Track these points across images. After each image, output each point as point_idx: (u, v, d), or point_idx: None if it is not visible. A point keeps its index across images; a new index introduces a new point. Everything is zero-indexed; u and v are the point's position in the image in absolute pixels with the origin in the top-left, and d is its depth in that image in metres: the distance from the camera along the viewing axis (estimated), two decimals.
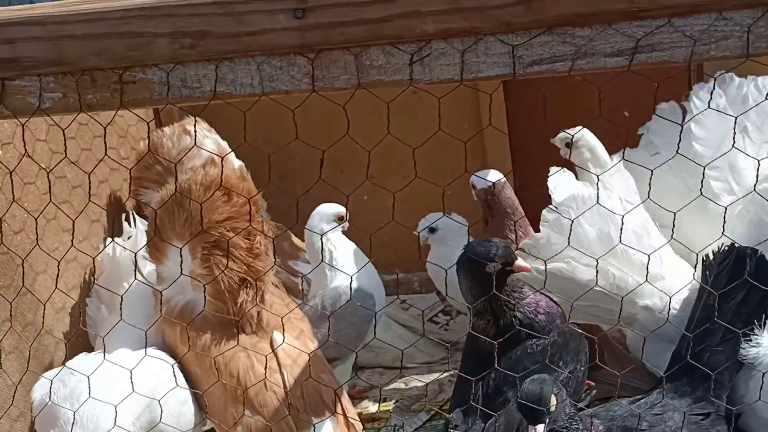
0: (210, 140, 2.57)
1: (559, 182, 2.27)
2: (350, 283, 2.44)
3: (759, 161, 2.04)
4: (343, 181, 2.95)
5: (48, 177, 2.33)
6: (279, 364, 2.11)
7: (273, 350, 2.11)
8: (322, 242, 2.55)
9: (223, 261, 2.11)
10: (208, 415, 2.15)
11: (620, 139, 2.51)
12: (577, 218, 2.12)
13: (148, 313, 2.25)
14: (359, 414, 2.46)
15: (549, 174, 2.30)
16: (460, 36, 1.21)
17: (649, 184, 1.79)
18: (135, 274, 2.25)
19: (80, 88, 1.29)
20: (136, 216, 2.58)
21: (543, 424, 1.72)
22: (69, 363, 2.05)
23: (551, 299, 2.14)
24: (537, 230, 2.25)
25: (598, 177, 2.30)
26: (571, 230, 2.05)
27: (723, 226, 1.75)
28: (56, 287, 2.20)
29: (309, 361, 2.07)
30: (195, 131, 2.53)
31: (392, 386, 2.80)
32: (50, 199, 2.31)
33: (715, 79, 2.39)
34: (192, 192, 2.12)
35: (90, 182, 2.59)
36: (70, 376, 1.97)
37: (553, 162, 2.37)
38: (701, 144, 2.35)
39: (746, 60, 1.19)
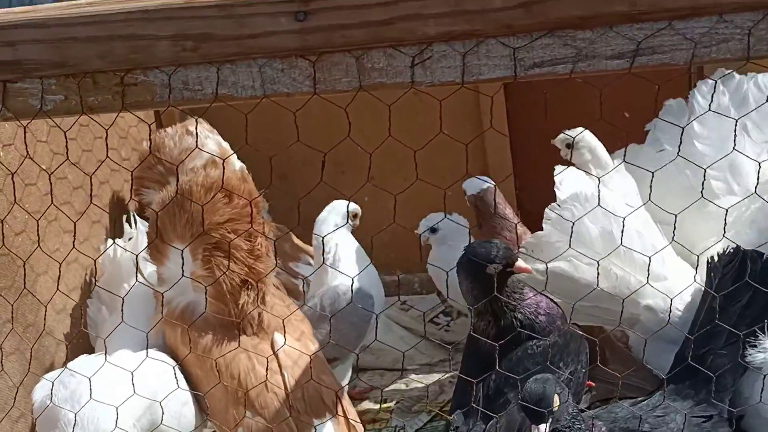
0: (212, 141, 2.57)
1: (566, 178, 2.27)
2: (351, 285, 2.44)
3: (760, 164, 2.04)
4: (344, 182, 2.94)
5: (49, 178, 2.33)
6: (280, 366, 2.11)
7: (274, 352, 2.11)
8: (323, 242, 2.55)
9: (224, 262, 2.11)
10: (209, 417, 2.15)
11: (621, 140, 2.51)
12: (581, 217, 2.11)
13: (149, 315, 2.25)
14: (360, 415, 2.46)
15: (555, 172, 2.30)
16: (461, 38, 1.21)
17: (650, 186, 1.79)
18: (136, 276, 2.25)
19: (82, 90, 1.29)
20: (137, 217, 2.58)
21: (546, 424, 1.72)
22: (70, 364, 2.05)
23: (552, 300, 2.14)
24: (537, 230, 2.25)
25: (599, 178, 2.30)
26: (573, 228, 2.05)
27: (724, 228, 1.75)
28: (57, 289, 2.20)
29: (310, 362, 2.07)
30: (197, 132, 2.53)
31: (393, 387, 2.80)
32: (51, 200, 2.31)
33: (716, 82, 2.39)
34: (193, 194, 2.11)
35: (91, 183, 2.59)
36: (71, 378, 1.97)
37: (553, 163, 2.37)
38: (703, 143, 2.35)
39: (747, 63, 1.19)
